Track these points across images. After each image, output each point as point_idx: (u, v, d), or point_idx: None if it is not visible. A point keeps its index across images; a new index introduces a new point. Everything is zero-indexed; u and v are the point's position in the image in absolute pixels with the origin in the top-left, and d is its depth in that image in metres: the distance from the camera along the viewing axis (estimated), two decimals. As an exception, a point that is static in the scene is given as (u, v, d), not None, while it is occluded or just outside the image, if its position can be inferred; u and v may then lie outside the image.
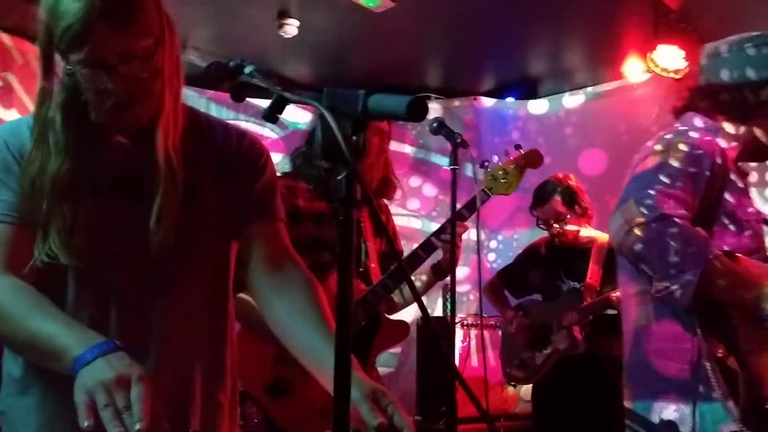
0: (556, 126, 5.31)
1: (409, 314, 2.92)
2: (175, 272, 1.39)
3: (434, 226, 3.16)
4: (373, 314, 2.46)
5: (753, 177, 4.66)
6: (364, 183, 0.97)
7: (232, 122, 1.62)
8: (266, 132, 5.03)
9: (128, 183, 1.37)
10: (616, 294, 3.18)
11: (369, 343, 2.47)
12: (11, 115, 4.16)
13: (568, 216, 3.40)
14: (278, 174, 1.97)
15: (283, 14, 4.21)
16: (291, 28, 4.24)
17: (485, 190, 2.55)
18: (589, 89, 5.18)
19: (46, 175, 1.30)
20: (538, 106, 5.42)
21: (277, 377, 2.36)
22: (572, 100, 5.28)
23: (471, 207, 2.50)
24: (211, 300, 1.47)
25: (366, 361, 2.46)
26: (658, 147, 1.76)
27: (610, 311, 3.24)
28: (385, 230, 2.63)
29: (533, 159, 2.62)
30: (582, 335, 3.32)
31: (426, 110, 0.93)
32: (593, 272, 3.36)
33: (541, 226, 3.52)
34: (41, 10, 1.26)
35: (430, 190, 5.48)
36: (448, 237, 2.40)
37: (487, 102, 5.48)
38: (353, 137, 0.97)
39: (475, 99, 5.45)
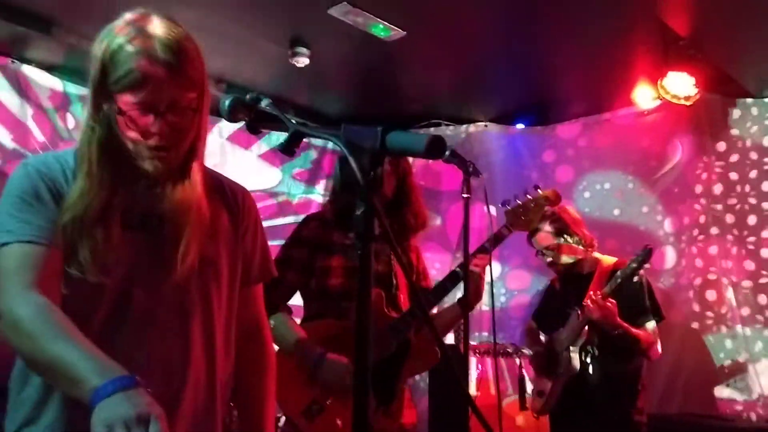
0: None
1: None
2: (195, 298, 1.51)
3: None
4: (402, 340, 2.51)
5: None
6: (382, 217, 0.98)
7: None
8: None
9: (154, 219, 1.47)
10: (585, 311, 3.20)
11: (399, 368, 2.56)
12: None
13: (560, 246, 3.42)
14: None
15: (296, 43, 4.25)
16: (303, 57, 4.28)
17: (507, 226, 2.67)
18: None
19: (82, 203, 1.39)
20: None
21: (312, 399, 2.46)
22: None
23: (494, 241, 2.63)
24: (227, 325, 1.60)
25: (395, 385, 2.54)
26: None
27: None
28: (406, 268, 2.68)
29: (551, 198, 2.73)
30: (580, 358, 3.32)
31: (444, 148, 0.95)
32: (587, 297, 3.33)
33: (539, 256, 3.56)
34: (97, 53, 1.39)
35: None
36: (473, 269, 2.48)
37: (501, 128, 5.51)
38: (371, 172, 0.99)
39: (486, 125, 5.47)
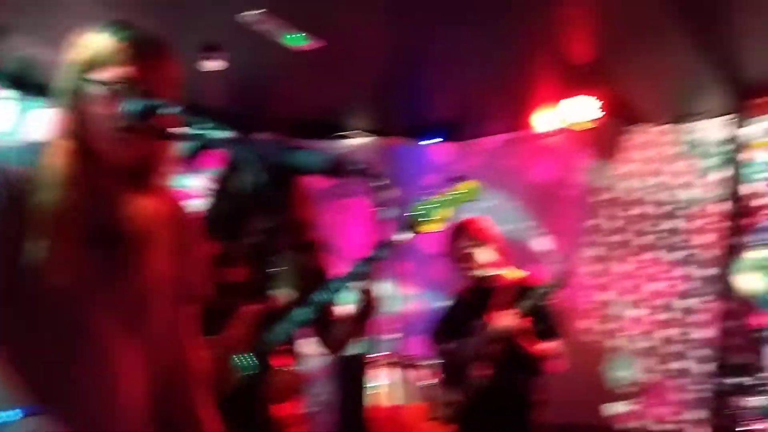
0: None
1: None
2: (144, 318, 1.47)
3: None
4: (264, 363, 2.29)
5: None
6: (285, 232, 0.99)
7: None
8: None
9: (112, 234, 1.42)
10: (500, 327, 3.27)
11: (257, 393, 2.30)
12: None
13: (474, 258, 3.48)
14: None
15: (209, 47, 4.19)
16: (217, 62, 4.22)
17: (407, 228, 2.40)
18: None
19: (51, 204, 1.35)
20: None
21: None
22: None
23: (388, 247, 2.33)
24: (166, 344, 1.55)
25: (253, 411, 2.31)
26: None
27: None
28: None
29: (470, 191, 2.51)
30: (485, 371, 3.38)
31: (345, 169, 0.96)
32: (493, 310, 3.39)
33: (454, 265, 3.60)
34: (71, 47, 1.42)
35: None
36: (356, 283, 2.30)
37: (408, 143, 5.62)
38: (274, 188, 0.99)
39: (396, 139, 5.56)
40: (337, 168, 0.96)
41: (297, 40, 4.05)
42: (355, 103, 5.16)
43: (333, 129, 5.43)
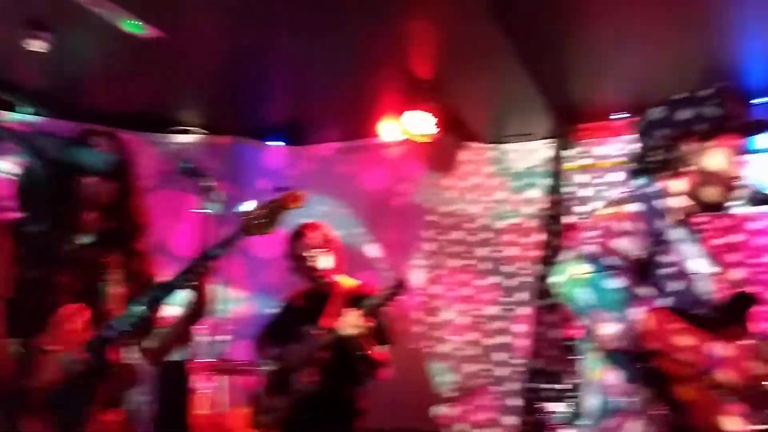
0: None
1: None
2: None
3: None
4: (100, 358, 2.34)
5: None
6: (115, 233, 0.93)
7: None
8: None
9: None
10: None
11: (93, 388, 2.36)
12: None
13: (314, 261, 3.50)
14: None
15: (33, 25, 3.88)
16: (40, 41, 3.91)
17: (239, 231, 2.43)
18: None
19: None
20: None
21: None
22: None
23: (224, 246, 2.37)
24: None
25: (85, 408, 2.33)
26: None
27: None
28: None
29: (293, 199, 2.58)
30: (313, 377, 3.40)
31: (122, 172, 0.92)
32: (327, 316, 3.45)
33: (293, 264, 3.61)
34: None
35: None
36: (185, 284, 2.30)
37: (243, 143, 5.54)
38: (56, 184, 0.93)
39: (231, 139, 5.45)
40: (119, 171, 0.92)
41: (134, 28, 3.86)
42: (192, 98, 5.02)
43: (166, 123, 5.24)
